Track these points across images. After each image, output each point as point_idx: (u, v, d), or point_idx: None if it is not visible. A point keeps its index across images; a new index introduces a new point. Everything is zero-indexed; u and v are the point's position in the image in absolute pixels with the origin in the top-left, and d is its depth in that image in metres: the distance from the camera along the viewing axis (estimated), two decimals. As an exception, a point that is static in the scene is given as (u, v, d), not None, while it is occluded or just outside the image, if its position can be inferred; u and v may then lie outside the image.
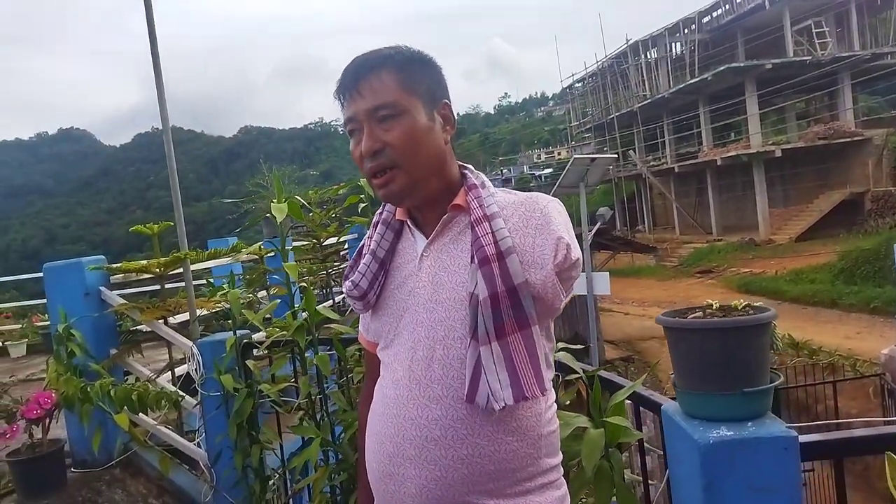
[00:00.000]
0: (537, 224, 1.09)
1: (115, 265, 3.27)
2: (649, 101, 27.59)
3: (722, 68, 22.48)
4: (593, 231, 9.66)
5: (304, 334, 2.44)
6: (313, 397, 2.56)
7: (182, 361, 3.29)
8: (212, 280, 4.61)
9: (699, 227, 26.44)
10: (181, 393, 3.00)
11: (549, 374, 1.16)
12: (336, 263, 6.24)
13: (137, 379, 3.17)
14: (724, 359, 1.21)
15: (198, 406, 3.03)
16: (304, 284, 2.60)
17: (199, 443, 3.11)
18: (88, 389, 2.59)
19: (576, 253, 1.09)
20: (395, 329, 1.17)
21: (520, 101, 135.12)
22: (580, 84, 35.43)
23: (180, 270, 3.24)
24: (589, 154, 12.78)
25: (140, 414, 3.15)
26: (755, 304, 1.32)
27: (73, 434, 3.13)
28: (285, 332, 2.55)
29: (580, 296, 9.48)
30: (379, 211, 1.26)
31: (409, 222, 1.20)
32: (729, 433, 1.17)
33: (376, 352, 1.24)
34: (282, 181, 2.70)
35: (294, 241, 5.44)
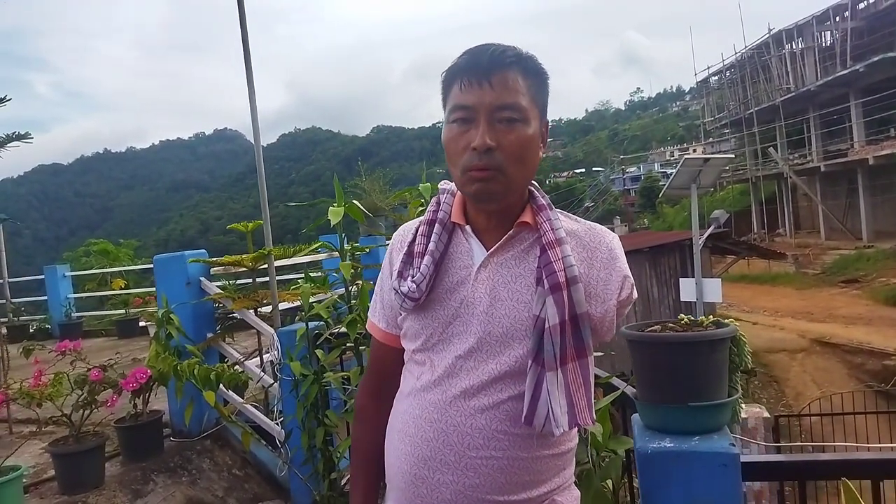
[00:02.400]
0: (603, 258, 1.11)
1: (212, 259, 3.67)
2: (793, 94, 25.54)
3: (878, 58, 20.35)
4: (705, 235, 9.19)
5: (356, 328, 2.65)
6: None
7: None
8: (319, 273, 5.01)
9: (848, 231, 24.11)
10: (257, 375, 3.33)
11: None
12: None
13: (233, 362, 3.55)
14: (671, 372, 1.23)
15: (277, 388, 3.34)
16: (361, 282, 2.79)
17: (279, 422, 3.43)
18: (178, 368, 2.96)
19: (635, 293, 1.12)
20: (440, 333, 1.13)
21: (653, 95, 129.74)
22: (716, 77, 33.48)
23: (313, 258, 3.56)
24: (705, 154, 12.12)
25: (231, 392, 3.53)
26: (724, 320, 1.32)
27: (172, 407, 3.57)
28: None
29: (691, 303, 9.07)
30: (432, 209, 1.21)
31: (468, 228, 1.16)
32: (669, 445, 1.20)
33: (410, 349, 1.19)
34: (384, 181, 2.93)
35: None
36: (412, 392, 1.16)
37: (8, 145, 3.90)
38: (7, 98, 3.90)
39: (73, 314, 9.21)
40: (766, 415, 6.24)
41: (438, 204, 1.21)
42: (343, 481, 3.18)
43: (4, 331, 5.06)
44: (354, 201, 2.72)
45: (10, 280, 10.04)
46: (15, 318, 9.56)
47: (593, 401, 1.10)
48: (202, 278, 3.60)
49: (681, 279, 9.26)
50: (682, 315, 1.37)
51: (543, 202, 1.15)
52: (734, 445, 1.17)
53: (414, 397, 1.15)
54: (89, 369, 2.91)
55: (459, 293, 1.13)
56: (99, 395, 2.93)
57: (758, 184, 28.71)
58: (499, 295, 1.10)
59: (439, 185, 1.25)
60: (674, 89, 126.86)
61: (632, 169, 69.08)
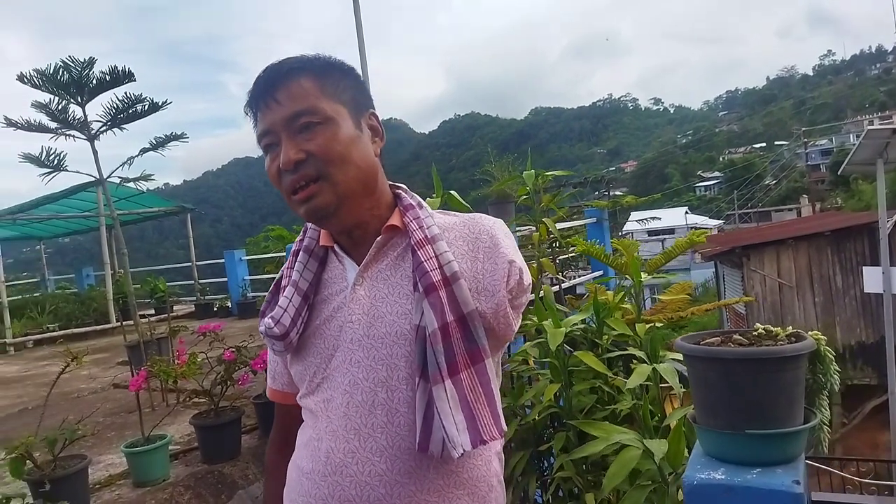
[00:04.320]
0: (486, 248, 1.01)
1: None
2: None
3: None
4: (894, 218, 7.98)
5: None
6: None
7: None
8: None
9: None
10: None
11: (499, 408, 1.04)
12: (568, 248, 6.29)
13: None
14: (726, 394, 1.07)
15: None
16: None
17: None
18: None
19: (527, 277, 1.01)
20: (323, 371, 1.02)
21: (847, 58, 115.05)
22: (926, 32, 28.84)
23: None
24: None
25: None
26: (803, 333, 1.12)
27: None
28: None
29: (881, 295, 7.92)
30: (299, 238, 1.12)
31: (336, 247, 1.06)
32: (720, 477, 1.04)
33: (297, 399, 1.09)
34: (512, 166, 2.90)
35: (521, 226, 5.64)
36: (307, 443, 1.03)
37: (168, 144, 4.38)
38: (168, 101, 4.38)
39: (248, 294, 10.19)
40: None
41: (305, 231, 1.11)
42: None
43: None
44: (452, 192, 2.68)
45: (198, 263, 11.39)
46: (201, 298, 10.84)
47: (499, 408, 0.98)
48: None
49: (864, 268, 8.16)
50: (758, 325, 1.18)
51: (411, 202, 1.05)
52: (799, 483, 0.98)
53: (307, 448, 1.03)
54: (224, 351, 3.19)
55: (338, 320, 1.01)
56: (234, 373, 3.20)
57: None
58: (377, 311, 0.99)
59: None
60: (873, 49, 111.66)
61: (822, 142, 61.90)
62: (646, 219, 10.24)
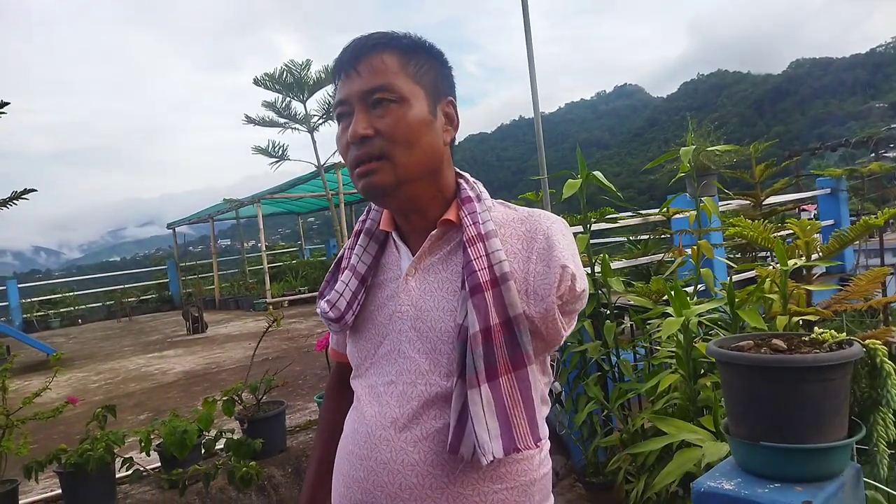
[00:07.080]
0: (540, 249, 0.94)
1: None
2: None
3: None
4: None
5: (595, 302, 2.61)
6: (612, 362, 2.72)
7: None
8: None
9: None
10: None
11: (544, 412, 1.00)
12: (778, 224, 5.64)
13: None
14: (746, 402, 1.00)
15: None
16: (605, 255, 2.71)
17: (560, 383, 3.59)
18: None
19: (581, 284, 0.94)
20: (371, 356, 1.02)
21: None
22: None
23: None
24: None
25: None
26: (853, 339, 0.99)
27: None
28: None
29: None
30: (361, 218, 1.10)
31: (394, 234, 1.05)
32: (728, 487, 0.98)
33: (350, 380, 1.10)
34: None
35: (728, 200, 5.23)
36: (351, 423, 1.04)
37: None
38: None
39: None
40: None
41: (368, 212, 1.09)
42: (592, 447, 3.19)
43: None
44: (596, 172, 2.62)
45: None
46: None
47: (540, 416, 0.94)
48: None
49: None
50: (818, 328, 1.06)
51: (470, 194, 1.00)
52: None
53: (350, 429, 1.03)
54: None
55: (389, 308, 1.01)
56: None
57: None
58: (424, 304, 0.97)
59: None
60: None
61: None
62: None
